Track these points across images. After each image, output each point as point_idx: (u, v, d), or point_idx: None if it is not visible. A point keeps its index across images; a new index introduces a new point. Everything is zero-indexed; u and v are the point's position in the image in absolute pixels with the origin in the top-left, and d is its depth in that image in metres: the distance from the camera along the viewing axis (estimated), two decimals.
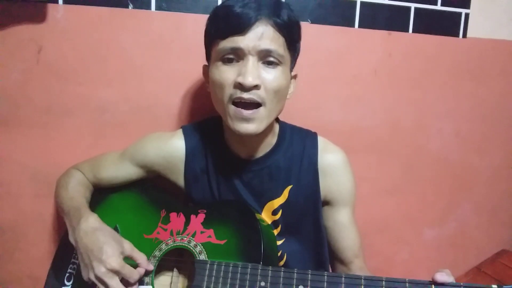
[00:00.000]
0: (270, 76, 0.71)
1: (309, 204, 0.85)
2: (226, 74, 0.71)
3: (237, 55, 0.71)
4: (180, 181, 0.87)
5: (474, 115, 1.19)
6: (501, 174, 1.24)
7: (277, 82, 0.71)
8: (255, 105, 0.71)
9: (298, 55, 0.80)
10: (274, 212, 0.84)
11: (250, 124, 0.71)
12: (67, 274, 0.86)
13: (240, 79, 0.68)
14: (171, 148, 0.86)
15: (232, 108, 0.71)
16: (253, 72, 0.69)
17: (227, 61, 0.71)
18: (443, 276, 0.58)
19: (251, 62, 0.69)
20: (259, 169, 0.83)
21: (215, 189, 0.85)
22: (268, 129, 0.80)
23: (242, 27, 0.69)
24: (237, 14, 0.69)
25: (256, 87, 0.69)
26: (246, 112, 0.70)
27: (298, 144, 0.85)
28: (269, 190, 0.84)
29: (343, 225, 0.86)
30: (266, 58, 0.70)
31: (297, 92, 1.02)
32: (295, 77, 0.82)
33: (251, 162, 0.83)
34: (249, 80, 0.68)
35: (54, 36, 0.95)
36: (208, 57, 0.79)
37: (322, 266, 0.88)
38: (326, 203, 0.87)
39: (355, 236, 0.87)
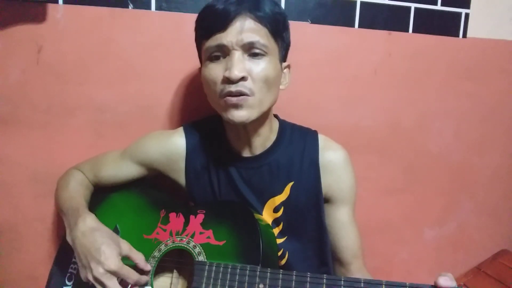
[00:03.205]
0: (257, 67, 0.72)
1: (311, 202, 0.85)
2: (215, 71, 0.73)
3: (223, 52, 0.72)
4: (181, 179, 0.87)
5: (474, 115, 1.19)
6: (501, 174, 1.24)
7: (264, 72, 0.72)
8: (243, 94, 0.72)
9: (288, 45, 0.81)
10: (276, 210, 0.84)
11: (241, 110, 0.72)
12: (68, 274, 0.86)
13: (226, 74, 0.70)
14: (172, 146, 0.86)
15: (222, 100, 0.73)
16: (238, 65, 0.70)
17: (215, 58, 0.73)
18: (446, 281, 0.56)
19: (236, 56, 0.70)
20: (259, 166, 0.83)
21: (216, 186, 0.85)
22: (264, 122, 0.81)
23: (222, 24, 0.70)
24: (218, 11, 0.70)
25: (243, 79, 0.70)
26: (236, 98, 0.71)
27: (299, 142, 0.86)
28: (270, 187, 0.84)
29: (342, 224, 0.86)
30: (250, 50, 0.71)
31: (298, 91, 1.03)
32: (288, 67, 0.83)
33: (251, 159, 0.83)
34: (235, 74, 0.69)
35: (54, 36, 0.95)
36: (200, 59, 0.80)
37: (325, 264, 0.87)
38: (326, 200, 0.86)
39: (354, 236, 0.87)
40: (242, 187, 0.83)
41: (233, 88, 0.70)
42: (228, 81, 0.70)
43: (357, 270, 0.86)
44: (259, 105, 0.74)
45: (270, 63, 0.73)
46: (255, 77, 0.72)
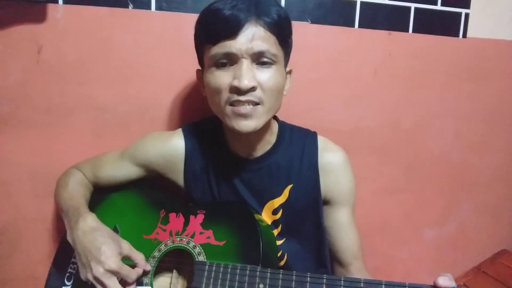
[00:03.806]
0: (266, 76, 0.71)
1: (309, 204, 0.84)
2: (222, 78, 0.71)
3: (231, 59, 0.70)
4: (180, 180, 0.87)
5: (474, 115, 1.19)
6: (501, 174, 1.25)
7: (273, 81, 0.71)
8: (253, 103, 0.71)
9: (291, 50, 0.80)
10: (275, 212, 0.84)
11: (249, 120, 0.71)
12: (67, 274, 0.86)
13: (235, 83, 0.68)
14: (170, 147, 0.86)
15: (229, 108, 0.71)
16: (248, 74, 0.68)
17: (221, 65, 0.71)
18: (445, 281, 0.56)
19: (245, 64, 0.69)
20: (258, 168, 0.83)
21: (214, 188, 0.85)
22: (266, 127, 0.80)
23: (232, 31, 0.68)
24: (225, 17, 0.68)
25: (252, 89, 0.69)
26: (245, 109, 0.70)
27: (298, 143, 0.85)
28: (269, 189, 0.84)
29: (342, 225, 0.86)
30: (259, 59, 0.70)
31: (297, 92, 1.03)
32: (290, 72, 0.82)
33: (250, 161, 0.83)
34: (245, 83, 0.67)
35: (54, 36, 0.95)
36: (201, 62, 0.79)
37: (323, 266, 0.87)
38: (326, 202, 0.86)
39: (354, 237, 0.87)
40: (242, 189, 0.83)
41: (242, 97, 0.69)
42: (236, 90, 0.69)
43: (357, 270, 0.86)
44: (267, 113, 0.73)
45: (277, 71, 0.72)
46: (265, 86, 0.70)
